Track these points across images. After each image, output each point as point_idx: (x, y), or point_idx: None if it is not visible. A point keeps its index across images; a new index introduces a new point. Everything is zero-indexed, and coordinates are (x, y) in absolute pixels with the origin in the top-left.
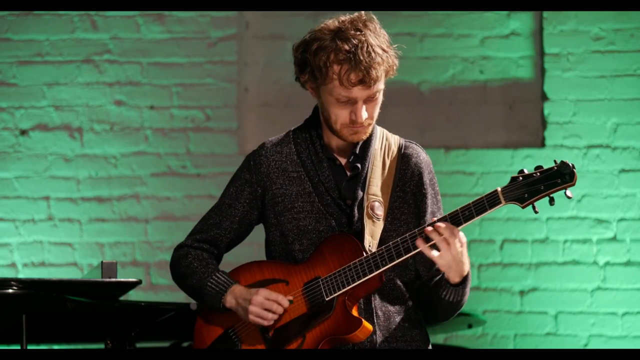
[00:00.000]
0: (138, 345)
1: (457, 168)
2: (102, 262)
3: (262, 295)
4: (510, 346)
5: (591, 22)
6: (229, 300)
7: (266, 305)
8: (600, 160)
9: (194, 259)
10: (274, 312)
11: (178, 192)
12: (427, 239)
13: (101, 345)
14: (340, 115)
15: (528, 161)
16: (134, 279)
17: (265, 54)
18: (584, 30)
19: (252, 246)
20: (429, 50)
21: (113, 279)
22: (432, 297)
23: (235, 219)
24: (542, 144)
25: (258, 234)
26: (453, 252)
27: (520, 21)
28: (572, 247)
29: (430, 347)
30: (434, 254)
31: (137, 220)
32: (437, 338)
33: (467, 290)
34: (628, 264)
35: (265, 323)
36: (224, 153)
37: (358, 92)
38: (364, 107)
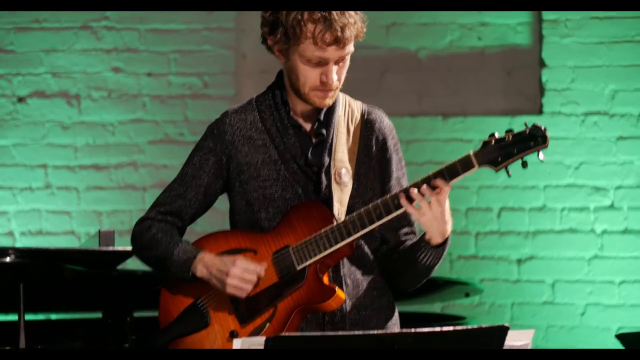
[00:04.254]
0: (135, 314)
1: (455, 135)
2: (99, 230)
3: (239, 267)
4: (508, 315)
5: None
6: (200, 269)
7: (246, 277)
8: (598, 128)
9: (157, 230)
10: (252, 284)
11: (176, 160)
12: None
13: (98, 314)
14: (309, 78)
15: None
16: (131, 248)
17: None
18: None
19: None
20: (427, 17)
21: (110, 248)
22: (405, 262)
23: (199, 190)
24: (540, 111)
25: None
26: (434, 209)
27: None
28: (570, 215)
29: (397, 314)
30: (417, 212)
31: (135, 188)
32: (435, 307)
33: (445, 252)
34: (625, 232)
35: (244, 294)
36: None
37: (332, 52)
38: (334, 68)
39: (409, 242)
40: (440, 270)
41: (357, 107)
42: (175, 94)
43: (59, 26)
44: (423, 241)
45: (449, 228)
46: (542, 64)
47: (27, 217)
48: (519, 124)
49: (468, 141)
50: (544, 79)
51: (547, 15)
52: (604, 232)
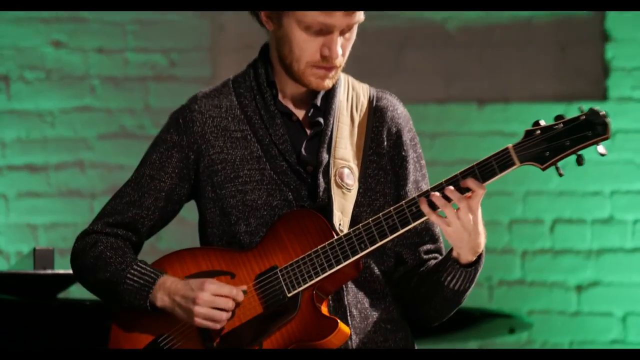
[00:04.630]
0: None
1: (494, 127)
2: (34, 249)
3: (209, 290)
4: None
5: None
6: (160, 298)
7: (217, 303)
8: None
9: (105, 247)
10: (227, 311)
11: (134, 159)
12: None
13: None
14: (307, 49)
15: None
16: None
17: None
18: None
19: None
20: None
21: (49, 271)
22: (427, 287)
23: (160, 195)
24: (603, 96)
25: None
26: (463, 218)
27: None
28: None
29: None
30: (442, 222)
31: (81, 195)
32: (470, 346)
33: (478, 274)
34: None
35: (218, 326)
36: None
37: (339, 18)
38: (339, 40)
39: (433, 262)
40: (477, 298)
41: (364, 91)
42: (133, 76)
43: None
44: (450, 259)
45: (482, 242)
46: (605, 37)
47: None
48: (576, 112)
49: (511, 134)
50: (608, 55)
51: None
52: None
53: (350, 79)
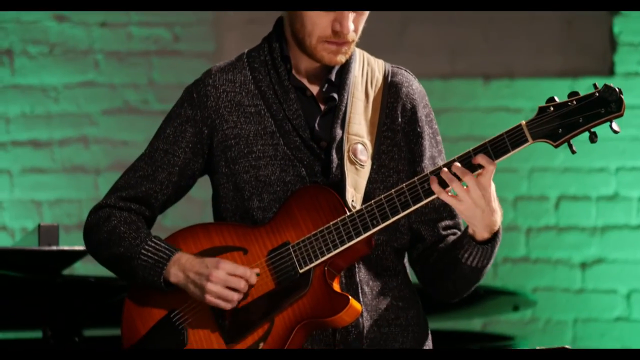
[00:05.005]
0: (85, 333)
1: (499, 103)
2: (39, 225)
3: (223, 269)
4: (569, 334)
5: None
6: (174, 274)
7: (231, 282)
8: None
9: (119, 222)
10: (239, 292)
11: (138, 135)
12: (442, 185)
13: (39, 334)
14: (318, 24)
15: None
16: (80, 247)
17: None
18: None
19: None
20: None
21: (54, 247)
22: (447, 263)
23: (173, 170)
24: (610, 72)
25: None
26: (473, 195)
27: None
28: None
29: (429, 332)
30: (453, 199)
31: (85, 170)
32: (474, 324)
33: (496, 251)
34: None
35: (229, 306)
36: None
37: None
38: (352, 15)
39: (451, 238)
40: None
41: (379, 66)
42: (137, 50)
43: None
44: (466, 237)
45: (498, 219)
46: (612, 10)
47: None
48: (582, 88)
49: (517, 110)
50: (615, 29)
51: None
52: None
53: (366, 54)
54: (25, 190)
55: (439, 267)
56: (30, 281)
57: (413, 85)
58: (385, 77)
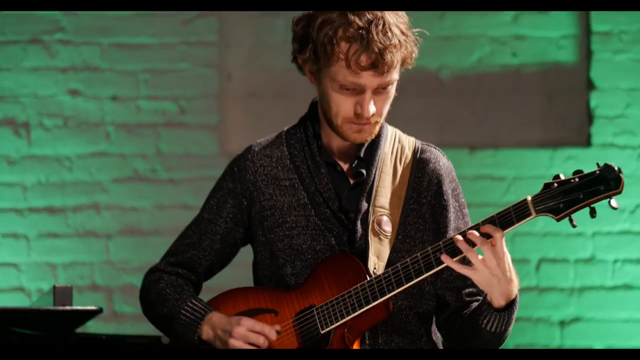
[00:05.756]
0: None
1: (484, 172)
2: (54, 286)
3: (244, 326)
4: None
5: None
6: (206, 332)
7: (250, 338)
8: None
9: (166, 284)
10: (260, 347)
11: (146, 201)
12: (452, 254)
13: None
14: (342, 107)
15: (570, 163)
16: (93, 307)
17: (252, 33)
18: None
19: (238, 269)
20: (451, 29)
21: (68, 307)
22: (469, 328)
23: (216, 238)
24: (587, 143)
25: (246, 254)
26: (490, 265)
27: None
28: (624, 268)
29: None
30: (467, 269)
31: (97, 235)
32: None
33: (513, 317)
34: None
35: None
36: (202, 154)
37: (368, 78)
38: (372, 99)
39: (475, 305)
40: None
41: (409, 143)
42: (145, 122)
43: (4, 39)
44: (485, 304)
45: (515, 288)
46: (590, 86)
47: None
48: (561, 158)
49: (500, 179)
50: (592, 104)
51: (597, 26)
52: None
53: (398, 132)
54: (41, 254)
55: (462, 332)
56: (46, 339)
57: (440, 161)
58: (414, 154)
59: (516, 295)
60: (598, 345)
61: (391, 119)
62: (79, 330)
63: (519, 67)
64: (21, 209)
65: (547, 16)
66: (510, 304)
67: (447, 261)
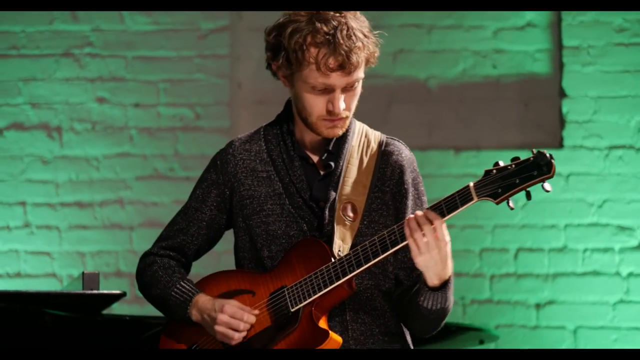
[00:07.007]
0: None
1: (467, 171)
2: (83, 272)
3: (227, 313)
4: None
5: (614, 12)
6: (194, 314)
7: (232, 324)
8: (624, 162)
9: (159, 267)
10: (241, 331)
11: (165, 197)
12: (403, 238)
13: None
14: (315, 106)
15: None
16: (117, 291)
17: (260, 47)
18: (605, 21)
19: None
20: (438, 43)
21: (95, 291)
22: (410, 306)
23: (202, 224)
24: (560, 145)
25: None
26: (430, 247)
27: (537, 11)
28: (593, 256)
29: None
30: (413, 251)
31: (121, 227)
32: None
33: (449, 297)
34: None
35: (233, 342)
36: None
37: (336, 78)
38: (341, 96)
39: (417, 285)
40: (453, 315)
41: (375, 137)
42: (164, 126)
43: (39, 53)
44: (421, 283)
45: (449, 270)
46: (562, 94)
47: (5, 258)
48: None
49: None
50: (564, 110)
51: (568, 41)
52: (630, 274)
53: (365, 127)
54: (71, 244)
55: (406, 308)
56: (75, 319)
57: (403, 153)
58: (379, 146)
59: (450, 276)
60: (569, 324)
61: (385, 123)
62: (105, 311)
63: (498, 77)
64: (54, 203)
65: (523, 32)
66: (444, 284)
67: (407, 235)
